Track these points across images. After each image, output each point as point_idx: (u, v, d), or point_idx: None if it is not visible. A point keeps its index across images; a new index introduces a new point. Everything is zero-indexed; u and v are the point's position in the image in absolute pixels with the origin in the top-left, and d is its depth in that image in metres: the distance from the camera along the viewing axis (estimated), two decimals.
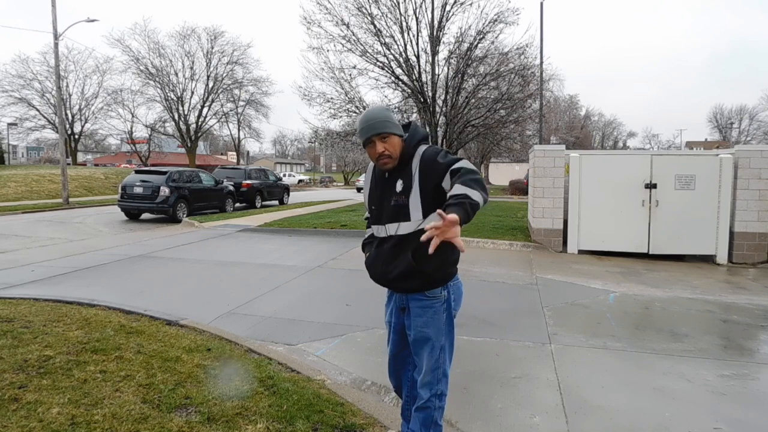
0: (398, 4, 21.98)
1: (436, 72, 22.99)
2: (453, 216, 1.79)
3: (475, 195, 1.91)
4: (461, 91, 22.63)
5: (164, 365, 3.51)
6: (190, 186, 15.25)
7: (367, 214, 2.65)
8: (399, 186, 2.31)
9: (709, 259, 9.16)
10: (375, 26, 22.10)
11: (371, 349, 4.38)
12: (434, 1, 22.13)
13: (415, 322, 2.40)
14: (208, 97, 41.88)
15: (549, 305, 5.88)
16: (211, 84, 41.49)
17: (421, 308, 2.38)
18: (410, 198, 2.28)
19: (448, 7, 22.14)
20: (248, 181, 19.17)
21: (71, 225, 13.21)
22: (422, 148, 2.34)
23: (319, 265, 7.95)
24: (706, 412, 3.39)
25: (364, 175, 2.77)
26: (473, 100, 22.89)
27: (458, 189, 1.94)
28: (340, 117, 23.72)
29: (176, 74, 40.35)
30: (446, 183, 2.13)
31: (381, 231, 2.43)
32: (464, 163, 2.10)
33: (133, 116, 43.17)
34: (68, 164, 25.30)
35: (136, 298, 5.62)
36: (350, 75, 22.82)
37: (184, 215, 14.47)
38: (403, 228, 2.32)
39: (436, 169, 2.19)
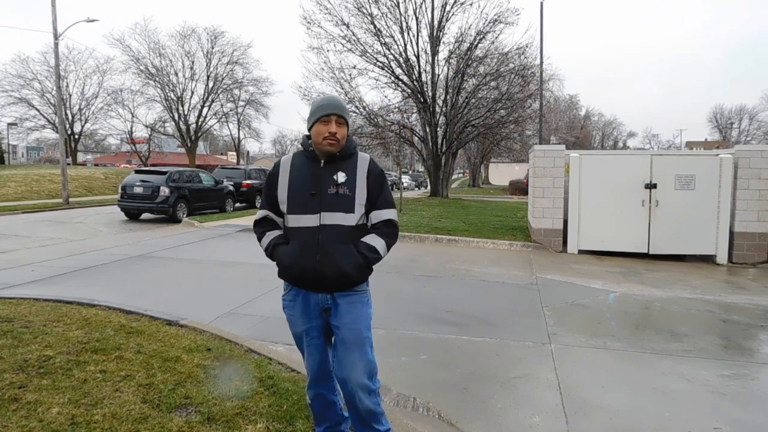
0: (398, 4, 22.06)
1: (436, 72, 23.04)
2: None
3: (384, 251, 2.37)
4: (461, 91, 22.66)
5: (164, 365, 3.51)
6: (190, 186, 15.24)
7: (264, 213, 2.48)
8: (341, 177, 2.31)
9: (709, 259, 9.16)
10: (375, 26, 22.15)
11: None
12: (434, 1, 22.23)
13: (346, 318, 2.33)
14: (208, 97, 41.90)
15: (549, 305, 5.88)
16: (211, 84, 41.53)
17: (350, 304, 2.35)
18: (356, 192, 2.32)
19: (448, 7, 22.22)
20: (248, 181, 19.17)
21: (71, 225, 13.21)
22: (365, 155, 2.43)
23: None
24: (706, 412, 3.39)
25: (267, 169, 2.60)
26: (473, 100, 22.92)
27: (377, 242, 2.35)
28: None
29: (176, 74, 40.42)
30: (373, 207, 2.39)
31: (310, 220, 2.29)
32: (393, 214, 2.43)
33: (133, 116, 43.19)
34: (68, 164, 25.30)
35: (136, 298, 5.62)
36: (350, 75, 22.89)
37: (184, 215, 14.46)
38: (344, 219, 2.29)
39: (377, 193, 2.38)
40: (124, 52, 38.66)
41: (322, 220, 2.28)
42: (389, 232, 2.40)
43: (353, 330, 2.32)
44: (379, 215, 2.39)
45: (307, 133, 2.40)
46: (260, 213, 2.51)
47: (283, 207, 2.38)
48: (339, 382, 2.37)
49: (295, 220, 2.33)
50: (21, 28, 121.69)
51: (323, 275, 2.27)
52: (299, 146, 2.46)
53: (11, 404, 2.82)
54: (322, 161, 2.34)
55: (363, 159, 2.40)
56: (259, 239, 2.49)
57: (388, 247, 2.39)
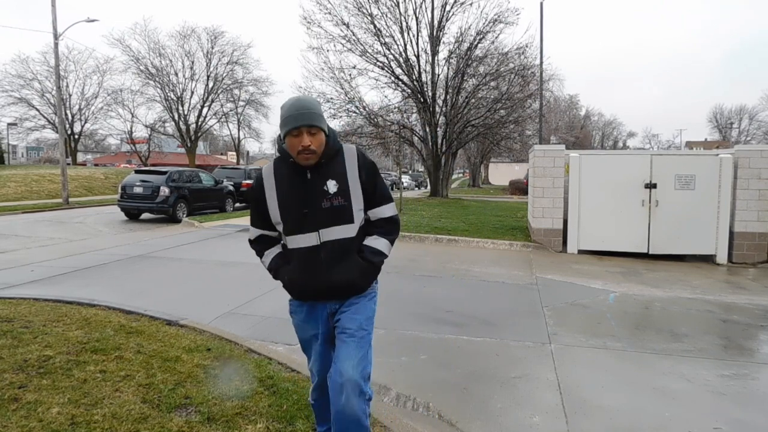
0: (398, 3, 22.07)
1: (436, 72, 23.06)
2: None
3: (389, 250, 2.27)
4: (461, 91, 22.67)
5: (164, 365, 3.51)
6: (190, 186, 15.25)
7: (258, 233, 2.37)
8: (332, 187, 2.15)
9: (709, 259, 9.16)
10: (375, 26, 22.16)
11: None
12: (434, 1, 22.24)
13: (347, 309, 2.22)
14: (208, 97, 41.91)
15: (549, 305, 5.88)
16: (211, 84, 41.54)
17: (355, 297, 2.26)
18: (352, 199, 2.17)
19: (448, 7, 22.25)
20: (248, 181, 19.15)
21: (71, 225, 13.21)
22: (351, 147, 2.25)
23: None
24: (706, 412, 3.39)
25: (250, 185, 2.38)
26: (473, 100, 22.93)
27: (380, 244, 2.25)
28: (340, 117, 23.80)
29: (176, 74, 40.43)
30: (370, 204, 2.26)
31: (309, 239, 2.17)
32: (392, 210, 2.31)
33: (133, 116, 43.18)
34: (68, 164, 25.29)
35: (136, 298, 5.62)
36: (350, 75, 22.91)
37: (184, 215, 14.47)
38: (345, 231, 2.17)
39: (372, 189, 2.24)
40: (124, 52, 38.73)
41: (322, 237, 2.16)
42: (391, 229, 2.29)
43: (353, 320, 2.20)
44: (378, 213, 2.27)
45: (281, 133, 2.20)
46: (253, 232, 2.38)
47: (280, 228, 2.26)
48: (330, 384, 2.15)
49: (294, 241, 2.22)
50: (21, 28, 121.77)
51: (331, 289, 2.19)
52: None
53: (11, 404, 2.82)
54: (308, 173, 2.15)
55: (350, 154, 2.22)
56: (259, 256, 2.39)
57: (392, 243, 2.29)
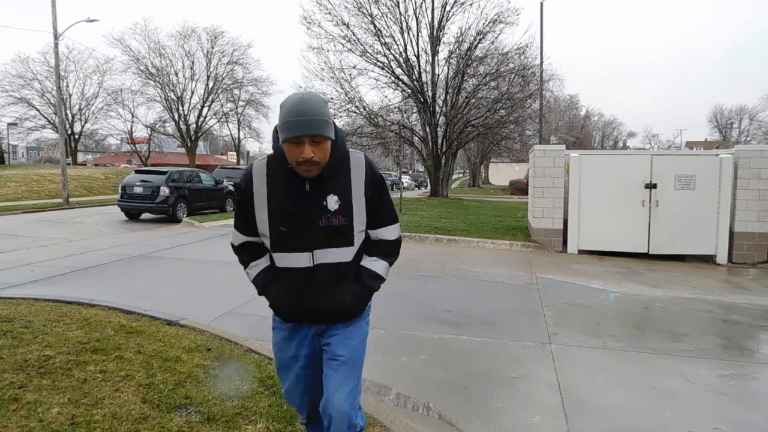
0: (398, 4, 22.09)
1: (436, 72, 23.07)
2: None
3: (387, 273, 2.06)
4: (461, 91, 22.68)
5: (164, 365, 3.51)
6: (190, 186, 15.24)
7: (242, 240, 2.05)
8: (333, 203, 1.86)
9: (709, 259, 9.17)
10: (375, 26, 22.17)
11: (371, 349, 4.37)
12: (434, 1, 22.25)
13: (338, 333, 1.99)
14: (208, 97, 41.91)
15: (549, 305, 5.88)
16: (211, 84, 41.53)
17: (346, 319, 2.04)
18: (354, 219, 1.90)
19: (448, 7, 22.27)
20: None
21: (71, 225, 13.20)
22: (359, 157, 1.94)
23: None
24: (706, 412, 3.39)
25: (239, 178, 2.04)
26: (473, 100, 22.94)
27: (380, 267, 2.02)
28: (340, 117, 23.79)
29: (176, 74, 40.41)
30: (374, 224, 2.00)
31: (301, 260, 1.90)
32: (397, 232, 2.09)
33: (133, 116, 43.18)
34: (68, 164, 25.27)
35: (136, 298, 5.62)
36: (350, 75, 22.93)
37: (184, 215, 14.46)
38: (343, 254, 1.92)
39: (377, 208, 1.98)
40: (124, 52, 38.69)
41: (316, 259, 1.90)
42: (392, 251, 2.06)
43: (345, 345, 1.98)
44: (380, 234, 2.02)
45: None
46: (237, 237, 2.07)
47: (266, 241, 1.97)
48: (321, 412, 1.98)
49: (283, 260, 1.94)
50: (21, 28, 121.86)
51: (321, 313, 1.96)
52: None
53: (11, 404, 2.82)
54: (307, 184, 1.85)
55: (357, 165, 1.92)
56: (243, 264, 2.10)
57: (391, 265, 2.07)
